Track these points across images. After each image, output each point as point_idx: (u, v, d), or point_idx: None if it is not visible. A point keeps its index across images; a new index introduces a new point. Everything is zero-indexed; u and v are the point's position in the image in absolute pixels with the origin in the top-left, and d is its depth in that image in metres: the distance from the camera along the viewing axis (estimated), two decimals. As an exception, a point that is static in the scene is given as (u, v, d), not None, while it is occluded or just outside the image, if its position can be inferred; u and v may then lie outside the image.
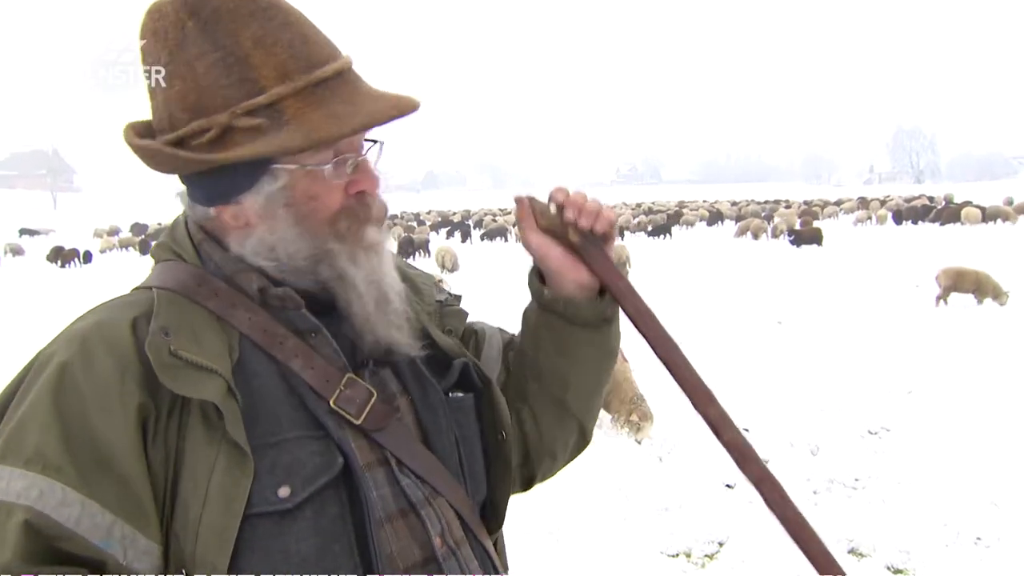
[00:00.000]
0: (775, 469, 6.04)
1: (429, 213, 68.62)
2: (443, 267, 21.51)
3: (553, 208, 1.31)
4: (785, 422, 7.20)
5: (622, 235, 37.46)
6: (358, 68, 1.16)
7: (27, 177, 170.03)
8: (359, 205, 1.15)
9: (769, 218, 42.14)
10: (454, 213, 65.81)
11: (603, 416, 7.45)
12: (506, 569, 1.31)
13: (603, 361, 1.43)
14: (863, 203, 55.20)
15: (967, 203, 41.88)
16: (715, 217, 48.54)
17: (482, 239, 38.97)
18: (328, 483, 1.06)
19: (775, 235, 33.53)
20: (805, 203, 61.12)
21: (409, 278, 1.33)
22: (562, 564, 4.78)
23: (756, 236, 34.33)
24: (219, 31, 1.05)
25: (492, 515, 1.29)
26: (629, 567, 4.71)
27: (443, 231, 44.46)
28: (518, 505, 1.43)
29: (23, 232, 55.88)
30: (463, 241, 38.31)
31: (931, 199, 56.08)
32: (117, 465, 0.99)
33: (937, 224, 37.58)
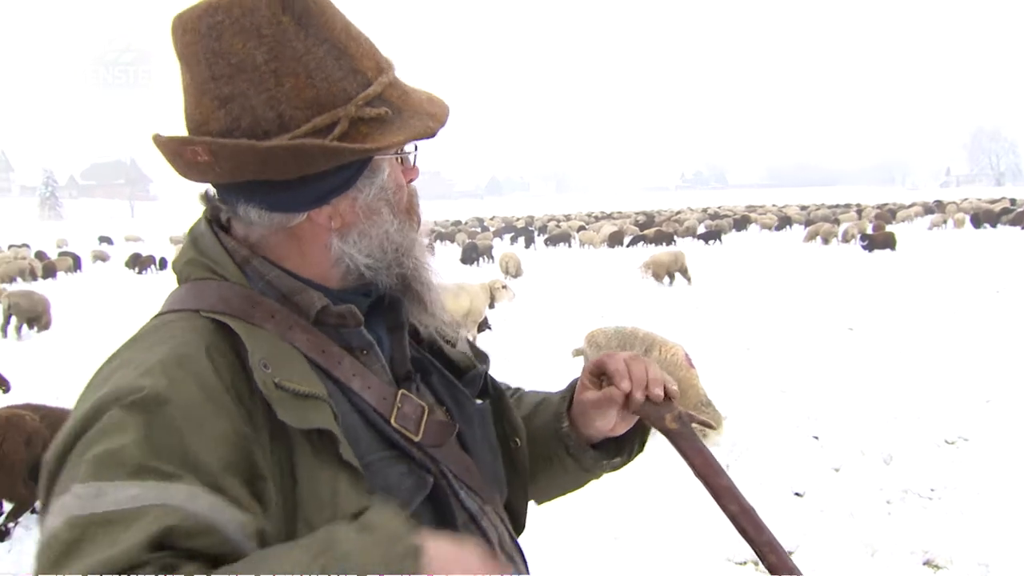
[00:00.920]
0: (845, 478, 5.95)
1: (492, 219, 68.98)
2: (507, 272, 21.60)
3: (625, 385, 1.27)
4: (856, 430, 7.03)
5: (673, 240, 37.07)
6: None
7: (106, 187, 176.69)
8: (414, 192, 1.19)
9: (838, 222, 41.23)
10: (517, 219, 66.02)
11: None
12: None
13: (571, 487, 1.44)
14: (939, 206, 53.54)
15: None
16: (783, 222, 47.62)
17: (546, 244, 39.00)
18: (422, 502, 1.07)
19: (846, 240, 32.76)
20: (878, 207, 59.54)
21: None
22: (626, 568, 4.76)
23: (826, 241, 33.60)
24: (316, 25, 1.03)
25: (514, 521, 1.30)
26: (694, 573, 4.67)
27: (507, 237, 44.60)
28: (582, 508, 1.46)
29: (102, 240, 57.96)
30: (527, 247, 38.41)
31: (1012, 201, 54.03)
32: (236, 471, 0.91)
33: (1019, 228, 36.19)
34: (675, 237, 38.06)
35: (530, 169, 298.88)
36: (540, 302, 16.75)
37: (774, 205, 77.65)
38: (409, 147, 1.15)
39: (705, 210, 68.25)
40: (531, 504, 1.38)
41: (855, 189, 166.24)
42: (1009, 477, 5.81)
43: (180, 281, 1.13)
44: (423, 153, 1.20)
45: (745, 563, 4.85)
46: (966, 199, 63.79)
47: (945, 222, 41.38)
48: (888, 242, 27.61)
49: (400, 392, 1.12)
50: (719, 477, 1.18)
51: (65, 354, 12.86)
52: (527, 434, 1.34)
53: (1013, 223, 37.29)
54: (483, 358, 1.35)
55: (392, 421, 1.09)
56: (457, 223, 62.71)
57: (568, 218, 64.14)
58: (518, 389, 1.50)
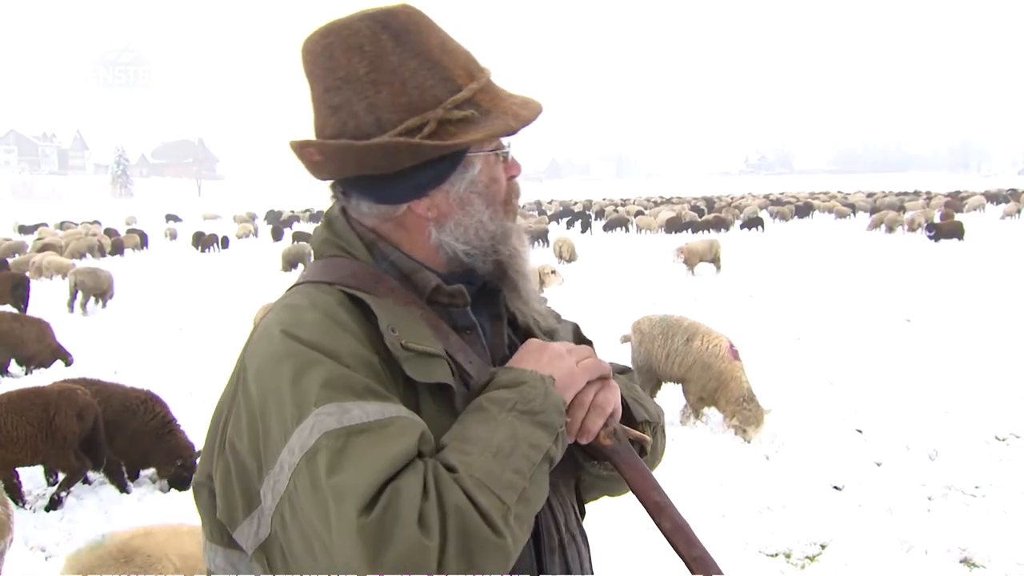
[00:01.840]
0: (886, 472, 5.86)
1: (551, 202, 68.73)
2: (561, 257, 21.57)
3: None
4: (902, 424, 6.91)
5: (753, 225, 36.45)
6: None
7: (175, 166, 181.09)
8: (514, 187, 1.33)
9: (904, 210, 40.07)
10: (575, 203, 65.69)
11: (711, 413, 7.36)
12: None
13: (606, 491, 1.47)
14: (1013, 195, 51.58)
15: None
16: (847, 210, 46.40)
17: (604, 230, 38.77)
18: None
19: (911, 228, 31.85)
20: (948, 195, 57.64)
21: None
22: (659, 559, 4.78)
23: (891, 229, 32.72)
24: (411, 41, 1.21)
25: (580, 505, 1.40)
26: (726, 565, 4.65)
27: (563, 221, 44.46)
28: (615, 499, 1.50)
29: (169, 218, 59.48)
30: (583, 231, 38.22)
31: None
32: (381, 377, 1.12)
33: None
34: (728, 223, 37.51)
35: (591, 152, 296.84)
36: (592, 287, 16.70)
37: (839, 192, 75.74)
38: (505, 144, 1.29)
39: (767, 196, 67.00)
40: None
41: (927, 175, 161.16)
42: (1058, 477, 5.66)
43: (316, 257, 1.32)
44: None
45: (776, 555, 4.84)
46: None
47: (1019, 212, 39.87)
48: (956, 231, 26.77)
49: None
50: (654, 493, 1.21)
51: (126, 330, 13.33)
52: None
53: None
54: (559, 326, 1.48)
55: None
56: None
57: (626, 202, 63.54)
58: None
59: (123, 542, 3.19)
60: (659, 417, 1.41)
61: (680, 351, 7.32)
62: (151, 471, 6.35)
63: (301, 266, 22.86)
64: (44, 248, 27.49)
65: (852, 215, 45.13)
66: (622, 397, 1.30)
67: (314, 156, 1.22)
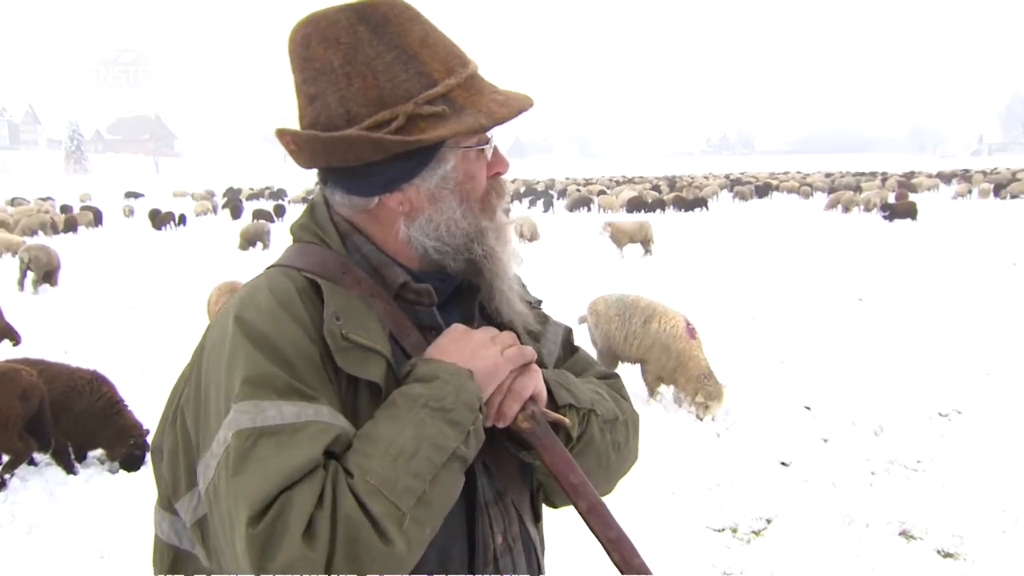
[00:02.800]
0: (832, 448, 5.98)
1: (514, 181, 68.63)
2: (522, 237, 21.56)
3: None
4: (850, 401, 7.05)
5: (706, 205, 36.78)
6: None
7: (132, 142, 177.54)
8: (497, 184, 1.31)
9: (860, 190, 40.67)
10: (538, 182, 65.65)
11: (665, 391, 7.44)
12: (543, 552, 1.43)
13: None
14: (965, 176, 52.60)
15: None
16: (807, 191, 46.97)
17: (567, 209, 38.84)
18: None
19: (867, 209, 32.37)
20: (903, 175, 58.61)
21: None
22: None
23: (847, 209, 33.22)
24: (389, 34, 1.19)
25: (535, 509, 1.41)
26: (673, 540, 4.73)
27: (526, 200, 44.44)
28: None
29: (129, 195, 58.31)
30: (546, 211, 38.27)
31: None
32: (320, 370, 1.13)
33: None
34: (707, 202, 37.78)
35: (555, 132, 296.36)
36: (552, 267, 16.75)
37: (799, 172, 76.63)
38: (489, 139, 1.27)
39: (728, 176, 67.54)
40: None
41: (884, 157, 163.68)
42: (995, 449, 5.83)
43: (293, 241, 1.32)
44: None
45: (723, 530, 4.92)
46: (995, 169, 62.54)
47: (970, 192, 40.71)
48: (909, 212, 27.26)
49: None
50: (571, 475, 1.21)
51: (77, 309, 13.09)
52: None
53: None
54: (550, 322, 1.48)
55: None
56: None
57: (589, 182, 63.69)
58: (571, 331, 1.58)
59: None
60: (593, 404, 1.34)
61: (638, 333, 7.37)
62: (99, 452, 6.26)
63: (260, 244, 22.62)
64: (-7, 225, 26.85)
65: (811, 194, 45.64)
66: (547, 382, 1.29)
67: (289, 144, 1.23)
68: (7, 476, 5.67)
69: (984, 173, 52.56)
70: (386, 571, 1.01)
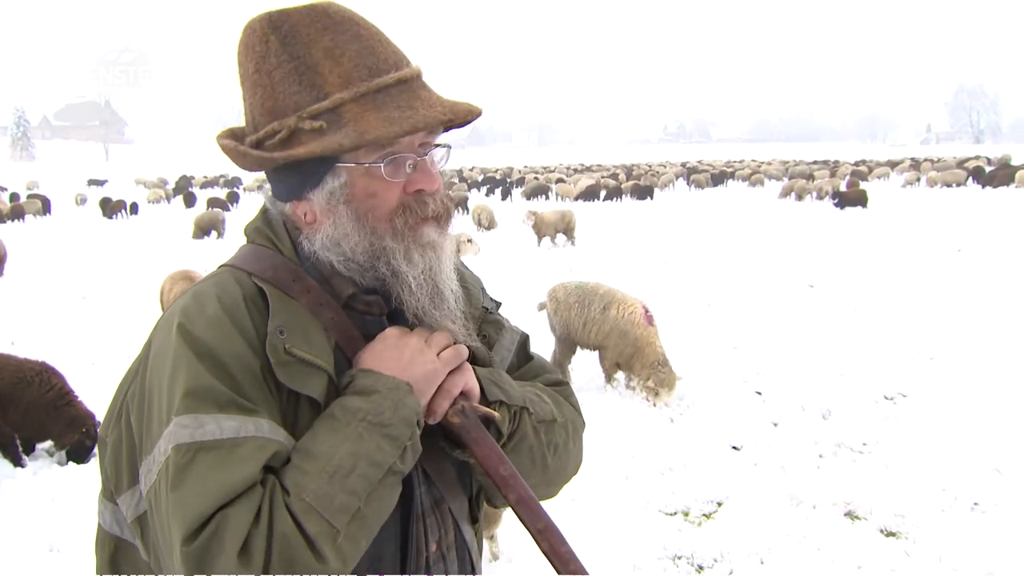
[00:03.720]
0: (782, 432, 6.11)
1: (472, 170, 68.43)
2: (480, 225, 21.55)
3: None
4: (799, 386, 7.20)
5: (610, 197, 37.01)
6: (428, 77, 1.27)
7: (80, 128, 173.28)
8: (416, 203, 1.24)
9: (813, 178, 41.29)
10: (496, 170, 65.52)
11: (620, 377, 7.53)
12: (480, 555, 1.44)
13: None
14: (914, 164, 53.69)
15: (1005, 164, 40.44)
16: (760, 177, 47.56)
17: (525, 197, 38.84)
18: None
19: (820, 197, 32.90)
20: (856, 164, 59.64)
21: (462, 278, 1.40)
22: (560, 519, 4.89)
23: (800, 197, 33.73)
24: (296, 43, 1.18)
25: (473, 512, 1.42)
26: (625, 525, 4.81)
27: (484, 188, 44.36)
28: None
29: (92, 183, 56.92)
30: (504, 199, 38.24)
31: (988, 160, 54.26)
32: (261, 382, 1.14)
33: (990, 187, 36.45)
34: (655, 190, 38.15)
35: (513, 120, 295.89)
36: (510, 255, 16.80)
37: (754, 160, 77.54)
38: (389, 155, 1.21)
39: (685, 164, 68.09)
40: None
41: (838, 145, 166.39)
42: (937, 431, 6.00)
43: (247, 241, 1.32)
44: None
45: (675, 514, 5.01)
46: (941, 158, 63.90)
47: (919, 180, 41.59)
48: (860, 200, 27.76)
49: None
50: (501, 468, 1.23)
51: (25, 299, 12.80)
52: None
53: (983, 183, 37.54)
54: (504, 328, 1.48)
55: None
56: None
57: (547, 170, 63.74)
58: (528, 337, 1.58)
59: None
60: (525, 402, 1.34)
61: (597, 319, 7.43)
62: (47, 444, 6.16)
63: (214, 233, 22.29)
64: (-64, 214, 26.07)
65: (763, 182, 46.17)
66: (479, 379, 1.30)
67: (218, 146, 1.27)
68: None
69: (932, 162, 53.63)
70: None
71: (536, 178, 47.17)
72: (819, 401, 6.77)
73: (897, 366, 7.83)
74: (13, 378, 5.84)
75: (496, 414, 1.28)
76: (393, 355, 1.20)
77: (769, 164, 62.57)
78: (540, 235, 18.86)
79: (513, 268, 14.58)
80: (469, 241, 12.43)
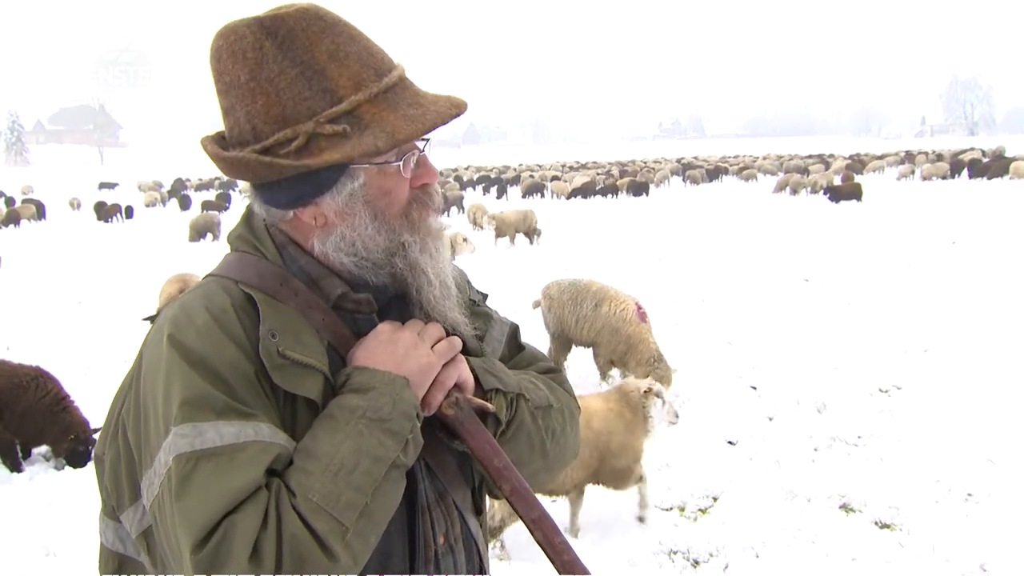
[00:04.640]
0: (777, 426, 6.13)
1: (467, 168, 68.38)
2: (475, 224, 21.55)
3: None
4: (795, 379, 7.22)
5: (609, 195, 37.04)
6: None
7: (75, 132, 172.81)
8: (424, 196, 1.28)
9: (808, 172, 41.30)
10: (492, 169, 65.48)
11: (615, 374, 7.54)
12: (487, 548, 1.46)
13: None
14: (909, 157, 53.74)
15: (999, 156, 40.53)
16: (754, 173, 47.56)
17: (521, 195, 38.84)
18: None
19: (815, 191, 32.92)
20: (850, 157, 59.64)
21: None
22: (555, 515, 4.91)
23: (795, 192, 33.75)
24: (296, 49, 1.16)
25: (477, 503, 1.43)
26: (622, 520, 4.83)
27: (480, 187, 44.34)
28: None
29: (103, 186, 56.77)
30: (499, 197, 38.23)
31: (983, 152, 54.31)
32: (257, 387, 1.14)
33: (984, 178, 36.52)
34: (651, 186, 38.13)
35: (509, 118, 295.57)
36: (505, 253, 16.82)
37: (749, 156, 77.53)
38: (408, 152, 1.23)
39: (680, 160, 68.07)
40: None
41: (833, 139, 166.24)
42: (931, 424, 6.03)
43: (231, 250, 1.31)
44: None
45: (671, 509, 5.04)
46: (934, 150, 63.96)
47: (913, 173, 41.63)
48: (855, 193, 27.75)
49: None
50: (495, 459, 1.25)
51: (20, 304, 12.79)
52: None
53: (978, 175, 37.59)
54: (494, 320, 1.48)
55: None
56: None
57: (542, 167, 63.70)
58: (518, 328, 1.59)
59: None
60: (521, 389, 1.36)
61: (589, 316, 7.44)
62: (44, 449, 6.17)
63: (210, 235, 22.26)
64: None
65: (755, 177, 46.12)
66: (473, 370, 1.31)
67: (207, 156, 1.24)
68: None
69: (926, 155, 53.66)
70: None
71: (531, 176, 47.15)
72: (814, 395, 6.79)
73: (891, 359, 7.85)
74: (8, 383, 5.85)
75: (491, 405, 1.30)
76: (387, 350, 1.21)
77: (764, 159, 62.56)
78: (499, 235, 18.79)
79: (508, 266, 14.60)
80: (465, 240, 12.46)
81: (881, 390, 6.98)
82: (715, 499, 5.10)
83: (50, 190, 54.69)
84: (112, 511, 1.21)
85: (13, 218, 30.82)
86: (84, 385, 7.03)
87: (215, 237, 22.18)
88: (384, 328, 1.24)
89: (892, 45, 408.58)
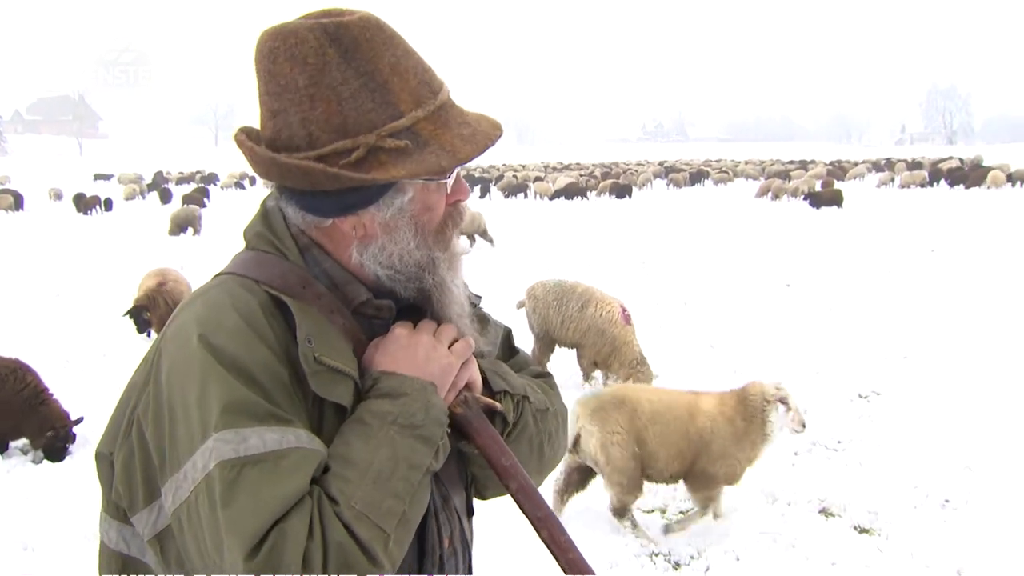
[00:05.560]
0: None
1: (451, 167, 68.10)
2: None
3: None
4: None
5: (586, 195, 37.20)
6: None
7: (53, 123, 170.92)
8: (456, 213, 1.29)
9: (790, 178, 41.62)
10: (475, 168, 65.47)
11: (597, 375, 7.56)
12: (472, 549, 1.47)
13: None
14: (888, 164, 54.27)
15: (976, 165, 41.07)
16: (734, 177, 47.84)
17: (504, 195, 38.86)
18: None
19: (796, 196, 33.16)
20: (831, 163, 60.16)
21: None
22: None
23: (776, 196, 33.99)
24: (359, 59, 1.15)
25: (469, 506, 1.44)
26: (604, 522, 4.84)
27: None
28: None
29: (98, 177, 56.15)
30: (482, 197, 38.22)
31: (961, 161, 54.95)
32: (291, 392, 1.13)
33: (962, 186, 36.96)
34: (634, 188, 38.27)
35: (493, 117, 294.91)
36: (488, 253, 16.81)
37: (731, 160, 78.00)
38: (449, 172, 1.23)
39: (663, 163, 68.36)
40: None
41: (813, 145, 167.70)
42: (909, 429, 6.10)
43: (247, 247, 1.29)
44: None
45: (652, 511, 5.07)
46: (914, 158, 64.60)
47: (892, 180, 42.07)
48: (835, 199, 28.00)
49: None
50: (502, 458, 1.26)
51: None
52: None
53: (955, 183, 38.04)
54: (490, 322, 1.50)
55: None
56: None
57: (526, 168, 63.75)
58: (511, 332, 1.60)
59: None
60: (526, 391, 1.39)
61: (575, 317, 7.47)
62: (22, 443, 6.10)
63: (191, 230, 22.08)
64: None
65: (733, 180, 46.41)
66: (482, 371, 1.33)
67: (248, 155, 1.21)
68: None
69: (906, 163, 54.20)
70: None
71: (514, 176, 47.15)
72: (795, 399, 6.82)
73: (871, 365, 7.93)
74: (-14, 376, 5.78)
75: (499, 405, 1.32)
76: (408, 355, 1.21)
77: (746, 164, 62.99)
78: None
79: (492, 266, 14.59)
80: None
81: (861, 396, 7.05)
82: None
83: (28, 181, 54.05)
84: (118, 511, 1.19)
85: (-11, 208, 30.41)
86: (63, 378, 6.97)
87: (196, 231, 22.00)
88: (400, 331, 1.24)
89: (873, 53, 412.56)
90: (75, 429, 5.92)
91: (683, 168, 55.71)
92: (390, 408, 1.14)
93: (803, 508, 4.93)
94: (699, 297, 11.73)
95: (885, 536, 4.59)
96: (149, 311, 8.88)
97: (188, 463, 1.06)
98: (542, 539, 1.23)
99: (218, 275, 1.27)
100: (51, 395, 5.98)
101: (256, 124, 1.25)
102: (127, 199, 39.53)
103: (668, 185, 45.46)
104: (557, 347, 7.80)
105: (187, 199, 31.92)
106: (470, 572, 1.40)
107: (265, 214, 1.30)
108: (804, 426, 4.63)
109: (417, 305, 1.31)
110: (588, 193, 36.14)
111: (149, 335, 8.94)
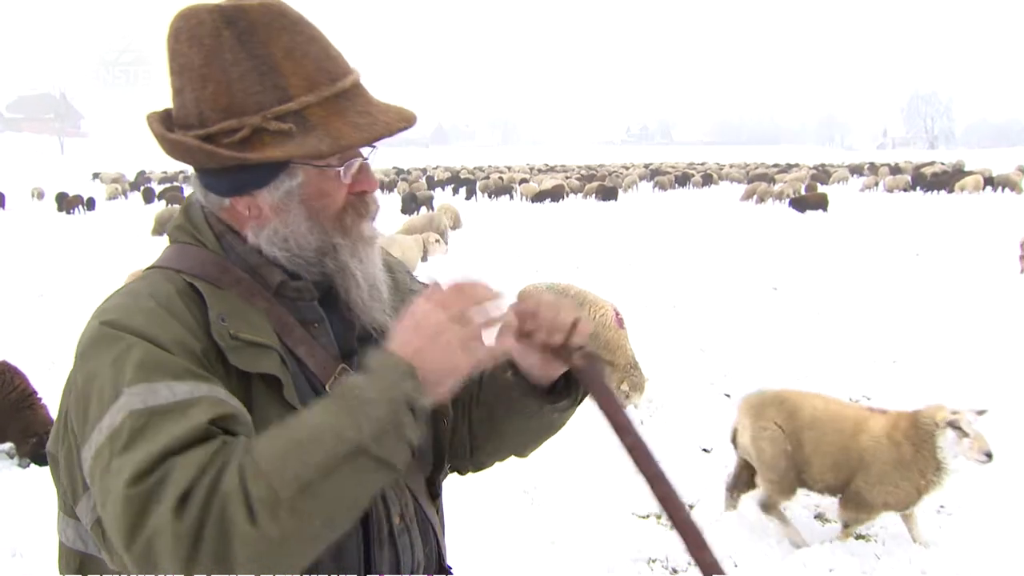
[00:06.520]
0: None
1: (436, 168, 68.25)
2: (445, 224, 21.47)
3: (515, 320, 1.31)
4: (766, 388, 7.26)
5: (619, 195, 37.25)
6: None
7: (34, 121, 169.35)
8: (360, 203, 1.30)
9: (774, 181, 41.86)
10: (461, 169, 65.42)
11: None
12: (443, 531, 1.47)
13: (545, 433, 1.52)
14: (872, 168, 54.69)
15: (959, 169, 41.47)
16: (720, 180, 48.08)
17: (489, 196, 38.88)
18: None
19: (781, 199, 33.34)
20: (815, 167, 60.54)
21: (389, 267, 1.44)
22: (534, 522, 4.90)
23: (762, 200, 34.16)
24: (253, 41, 1.17)
25: (432, 489, 1.44)
26: (598, 527, 4.83)
27: (449, 188, 44.26)
28: (495, 465, 1.55)
29: (95, 176, 55.72)
30: (468, 198, 38.22)
31: (943, 165, 55.50)
32: (206, 364, 1.14)
33: (945, 191, 37.30)
34: (619, 191, 38.38)
35: (477, 118, 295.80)
36: (475, 255, 16.79)
37: (715, 163, 78.35)
38: (350, 159, 1.25)
39: (647, 166, 68.58)
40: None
41: (797, 148, 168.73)
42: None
43: (170, 241, 1.32)
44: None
45: (648, 516, 5.04)
46: (896, 162, 65.19)
47: (876, 184, 42.39)
48: (820, 203, 28.16)
49: (341, 365, 1.29)
50: (618, 414, 1.27)
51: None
52: (485, 390, 1.44)
53: (935, 188, 38.39)
54: None
55: (327, 387, 1.26)
56: (400, 172, 61.62)
57: (511, 169, 63.77)
58: None
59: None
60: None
61: (568, 320, 7.42)
62: (7, 447, 6.02)
63: (174, 230, 21.90)
64: None
65: (717, 182, 46.64)
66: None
67: (151, 132, 1.24)
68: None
69: (890, 167, 54.65)
70: (257, 556, 0.98)
71: (500, 178, 47.16)
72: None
73: (861, 369, 7.96)
74: (-27, 379, 5.70)
75: (607, 362, 1.33)
76: (407, 335, 1.12)
77: (731, 167, 63.28)
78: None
79: (479, 268, 14.56)
80: (437, 241, 12.40)
81: (851, 400, 7.06)
82: (691, 507, 5.11)
83: (9, 179, 53.53)
84: (69, 508, 1.20)
85: (-30, 207, 30.09)
86: (49, 380, 6.85)
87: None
88: (415, 308, 1.15)
89: (856, 57, 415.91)
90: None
91: (669, 171, 55.93)
92: (356, 381, 1.09)
93: (799, 514, 4.93)
94: (688, 300, 11.75)
95: (880, 541, 4.60)
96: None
97: (97, 427, 1.06)
98: (656, 495, 1.23)
99: (147, 269, 1.30)
100: (39, 399, 5.90)
101: None
102: (110, 198, 39.31)
103: (654, 188, 45.61)
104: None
105: (171, 199, 31.72)
106: (439, 556, 1.41)
107: (187, 207, 1.34)
108: (990, 456, 4.09)
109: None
110: (573, 194, 36.18)
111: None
